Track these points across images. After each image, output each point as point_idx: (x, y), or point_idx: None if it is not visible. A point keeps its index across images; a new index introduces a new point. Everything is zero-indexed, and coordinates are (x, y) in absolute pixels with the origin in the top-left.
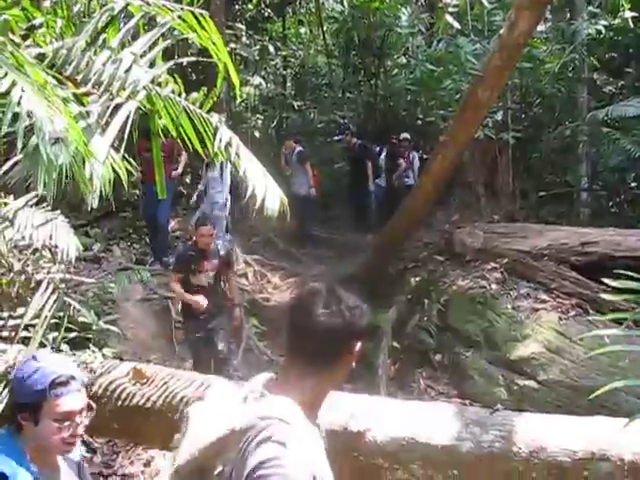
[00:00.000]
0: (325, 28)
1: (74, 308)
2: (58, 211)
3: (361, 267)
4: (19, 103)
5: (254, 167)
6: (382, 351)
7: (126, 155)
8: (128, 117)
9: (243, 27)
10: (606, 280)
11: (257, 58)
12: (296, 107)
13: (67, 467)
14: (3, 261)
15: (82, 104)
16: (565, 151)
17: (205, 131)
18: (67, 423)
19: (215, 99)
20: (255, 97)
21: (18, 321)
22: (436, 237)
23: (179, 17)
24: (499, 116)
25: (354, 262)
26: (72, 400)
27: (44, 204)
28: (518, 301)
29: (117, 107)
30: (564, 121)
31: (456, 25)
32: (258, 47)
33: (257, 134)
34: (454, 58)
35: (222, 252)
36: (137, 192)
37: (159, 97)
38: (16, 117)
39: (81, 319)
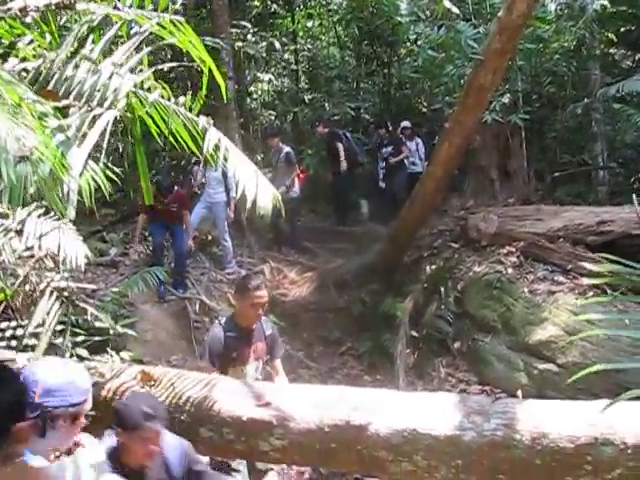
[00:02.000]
0: (335, 19)
1: (91, 314)
2: (66, 219)
3: (376, 258)
4: None
5: (245, 167)
6: (400, 341)
7: (109, 164)
8: (107, 126)
9: (249, 25)
10: (586, 264)
11: (264, 55)
12: (307, 101)
13: None
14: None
15: (63, 117)
16: (580, 130)
17: (197, 133)
18: None
19: (202, 102)
20: (268, 93)
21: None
22: (451, 224)
23: (157, 24)
24: (506, 99)
25: (370, 253)
26: None
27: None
28: (535, 284)
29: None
30: (576, 99)
31: (455, 10)
32: (265, 44)
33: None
34: (455, 43)
35: (268, 331)
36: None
37: (146, 101)
38: None
39: (98, 324)
